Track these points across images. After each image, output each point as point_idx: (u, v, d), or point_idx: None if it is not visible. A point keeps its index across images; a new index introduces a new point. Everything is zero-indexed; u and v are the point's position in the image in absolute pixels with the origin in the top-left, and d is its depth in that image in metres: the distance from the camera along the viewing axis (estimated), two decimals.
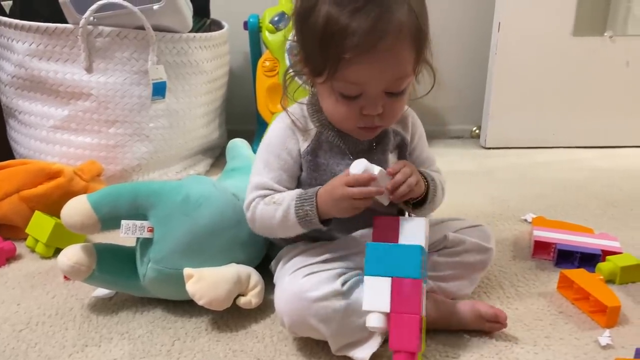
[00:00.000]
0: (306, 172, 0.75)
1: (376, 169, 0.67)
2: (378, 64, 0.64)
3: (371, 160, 0.69)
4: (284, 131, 0.75)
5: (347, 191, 0.66)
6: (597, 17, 1.72)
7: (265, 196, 0.73)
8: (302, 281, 0.69)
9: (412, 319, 0.64)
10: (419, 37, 0.65)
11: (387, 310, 0.65)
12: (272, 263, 0.82)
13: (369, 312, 0.65)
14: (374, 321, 0.65)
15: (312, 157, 0.74)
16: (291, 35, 0.73)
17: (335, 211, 0.69)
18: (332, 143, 0.75)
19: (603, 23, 1.73)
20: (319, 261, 0.73)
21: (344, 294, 0.69)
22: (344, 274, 0.71)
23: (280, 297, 0.71)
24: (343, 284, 0.69)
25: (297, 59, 0.72)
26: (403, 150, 0.80)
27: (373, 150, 0.76)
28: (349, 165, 0.70)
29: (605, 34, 1.67)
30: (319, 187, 0.71)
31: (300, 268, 0.71)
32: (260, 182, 0.74)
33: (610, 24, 1.72)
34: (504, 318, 0.75)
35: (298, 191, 0.72)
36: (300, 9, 0.66)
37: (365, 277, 0.66)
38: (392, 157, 0.79)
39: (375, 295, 0.65)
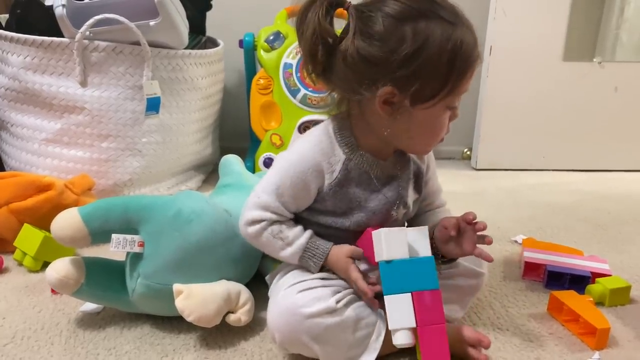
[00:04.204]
0: (332, 201, 0.73)
1: None
2: (476, 68, 0.69)
3: (396, 187, 0.76)
4: (307, 163, 0.72)
5: (351, 272, 0.71)
6: (586, 43, 1.76)
7: (273, 221, 0.73)
8: (297, 297, 0.68)
9: (439, 329, 0.66)
10: None
11: (414, 325, 0.65)
12: (269, 276, 0.81)
13: (394, 330, 0.66)
14: (402, 338, 0.66)
15: (339, 188, 0.73)
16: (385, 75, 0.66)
17: (335, 270, 0.74)
18: (360, 169, 0.74)
19: (592, 49, 1.76)
20: (315, 278, 0.73)
21: (337, 312, 0.68)
22: (339, 292, 0.71)
23: (273, 311, 0.70)
24: (337, 302, 0.69)
25: (386, 98, 0.67)
26: (419, 180, 0.80)
27: (397, 176, 0.77)
28: (373, 192, 0.74)
29: (595, 60, 1.70)
30: (330, 245, 0.74)
31: (296, 284, 0.71)
32: (271, 204, 0.72)
33: (599, 50, 1.76)
34: (487, 344, 0.74)
35: (307, 239, 0.74)
36: (414, 43, 0.63)
37: (386, 297, 0.67)
38: (409, 186, 0.79)
39: (399, 313, 0.66)
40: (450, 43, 0.64)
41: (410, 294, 0.66)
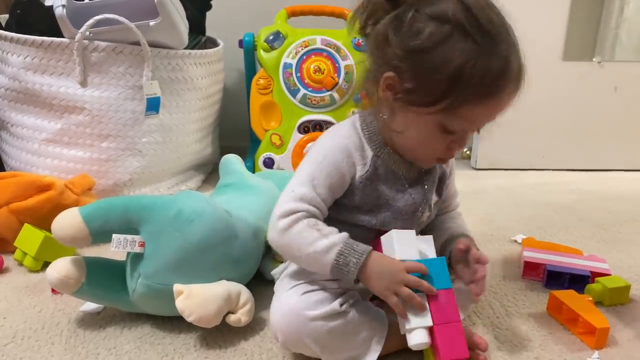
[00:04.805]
0: (360, 196, 0.71)
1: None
2: (497, 106, 0.65)
3: (422, 188, 0.74)
4: (341, 153, 0.70)
5: (404, 275, 0.65)
6: (586, 43, 1.76)
7: (310, 215, 0.68)
8: (301, 298, 0.68)
9: (455, 327, 0.65)
10: (522, 83, 0.67)
11: (431, 324, 0.65)
12: (276, 269, 0.81)
13: (410, 329, 0.65)
14: (419, 338, 0.64)
15: (369, 183, 0.71)
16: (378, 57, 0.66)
17: (375, 280, 0.65)
18: (387, 168, 0.72)
19: (592, 49, 1.76)
20: (320, 279, 0.71)
21: (341, 314, 0.68)
22: (343, 293, 0.70)
23: (276, 311, 0.70)
24: (341, 304, 0.68)
25: (389, 82, 0.65)
26: (442, 183, 0.79)
27: (423, 178, 0.75)
28: (399, 192, 0.72)
29: (594, 60, 1.71)
30: (370, 247, 0.67)
31: (300, 284, 0.70)
32: (307, 194, 0.68)
33: (599, 49, 1.76)
34: (484, 347, 0.73)
35: (346, 235, 0.67)
36: (425, 42, 0.61)
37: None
38: (433, 189, 0.78)
39: (414, 313, 0.65)
40: (461, 59, 0.60)
41: (424, 293, 0.66)
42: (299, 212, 0.67)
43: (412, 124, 0.67)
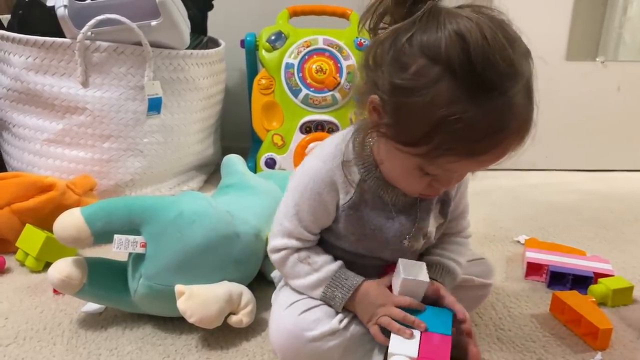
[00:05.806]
0: (344, 224, 0.68)
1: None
2: (485, 161, 0.58)
3: (414, 216, 0.69)
4: (322, 182, 0.66)
5: (389, 308, 0.65)
6: (589, 43, 1.76)
7: (298, 249, 0.70)
8: (299, 319, 0.67)
9: None
10: (528, 132, 0.58)
11: (415, 355, 0.62)
12: (276, 272, 0.80)
13: (392, 354, 0.63)
14: None
15: (353, 212, 0.67)
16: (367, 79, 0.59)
17: (359, 310, 0.68)
18: (374, 194, 0.67)
19: (595, 48, 1.76)
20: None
21: (340, 332, 0.67)
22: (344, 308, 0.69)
23: (275, 329, 0.69)
24: (340, 322, 0.68)
25: (374, 106, 0.59)
26: (446, 205, 0.73)
27: (417, 206, 0.69)
28: (389, 219, 0.68)
29: (597, 59, 1.70)
30: (361, 279, 0.68)
31: (298, 301, 0.69)
32: (294, 230, 0.69)
33: (602, 49, 1.76)
34: (475, 353, 0.70)
35: (337, 268, 0.69)
36: (408, 82, 0.54)
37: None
38: (434, 210, 0.72)
39: (402, 340, 0.64)
40: (446, 111, 0.52)
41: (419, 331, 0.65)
42: (287, 248, 0.70)
43: (392, 157, 0.62)
